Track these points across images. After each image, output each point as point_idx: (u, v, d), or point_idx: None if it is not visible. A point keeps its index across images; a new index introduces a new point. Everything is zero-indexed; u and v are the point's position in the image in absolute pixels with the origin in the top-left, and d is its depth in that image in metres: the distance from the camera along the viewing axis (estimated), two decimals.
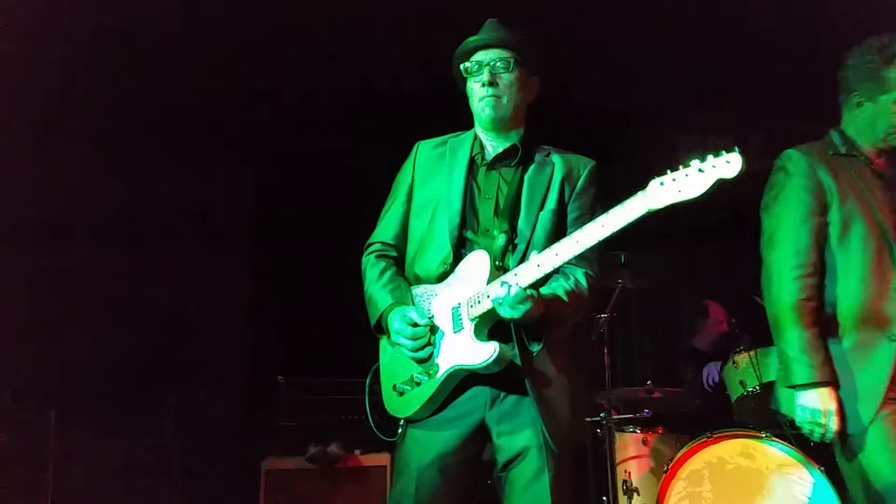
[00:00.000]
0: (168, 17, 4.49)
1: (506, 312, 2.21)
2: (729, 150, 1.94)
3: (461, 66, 2.58)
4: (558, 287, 2.37)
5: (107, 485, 4.72)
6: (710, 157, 1.95)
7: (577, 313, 2.45)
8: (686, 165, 1.97)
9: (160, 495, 4.93)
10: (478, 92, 2.53)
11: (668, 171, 2.00)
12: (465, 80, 2.61)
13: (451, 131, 2.72)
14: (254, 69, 5.04)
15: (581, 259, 2.41)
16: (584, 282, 2.44)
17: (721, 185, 1.95)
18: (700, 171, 1.95)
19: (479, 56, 2.53)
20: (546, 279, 2.35)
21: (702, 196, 1.95)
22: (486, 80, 2.49)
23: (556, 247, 2.18)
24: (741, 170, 1.91)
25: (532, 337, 2.29)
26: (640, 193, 2.03)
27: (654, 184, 2.00)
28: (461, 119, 2.68)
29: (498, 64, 2.50)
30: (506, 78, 2.51)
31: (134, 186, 5.19)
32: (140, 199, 5.22)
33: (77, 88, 4.71)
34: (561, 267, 2.40)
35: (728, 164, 1.92)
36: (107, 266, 5.04)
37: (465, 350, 2.31)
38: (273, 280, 5.81)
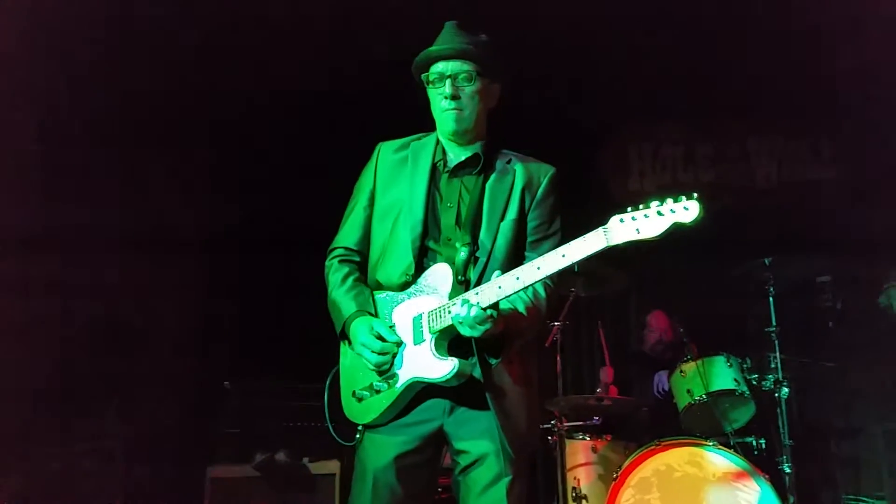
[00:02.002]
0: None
1: (465, 332, 2.24)
2: (689, 197, 2.03)
3: (421, 76, 2.56)
4: (518, 300, 2.40)
5: (44, 493, 4.56)
6: (669, 201, 2.03)
7: (535, 326, 2.51)
8: (646, 206, 2.05)
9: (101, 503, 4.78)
10: (440, 104, 2.51)
11: (629, 209, 2.08)
12: (425, 86, 2.58)
13: (417, 131, 2.70)
14: (215, 73, 4.97)
15: None
16: (542, 293, 2.47)
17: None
18: (659, 213, 2.03)
19: (440, 67, 2.50)
20: None
21: (659, 238, 2.04)
22: (448, 94, 2.47)
23: (517, 271, 2.22)
24: (698, 217, 2.00)
25: (490, 352, 2.32)
26: (600, 228, 2.10)
27: (614, 220, 2.09)
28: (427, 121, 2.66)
29: (460, 76, 2.47)
30: (468, 90, 2.49)
31: (82, 194, 5.03)
32: (86, 206, 5.07)
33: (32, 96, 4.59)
34: None
35: (686, 211, 2.01)
36: (48, 271, 4.87)
37: (425, 363, 2.33)
38: (220, 284, 5.70)
